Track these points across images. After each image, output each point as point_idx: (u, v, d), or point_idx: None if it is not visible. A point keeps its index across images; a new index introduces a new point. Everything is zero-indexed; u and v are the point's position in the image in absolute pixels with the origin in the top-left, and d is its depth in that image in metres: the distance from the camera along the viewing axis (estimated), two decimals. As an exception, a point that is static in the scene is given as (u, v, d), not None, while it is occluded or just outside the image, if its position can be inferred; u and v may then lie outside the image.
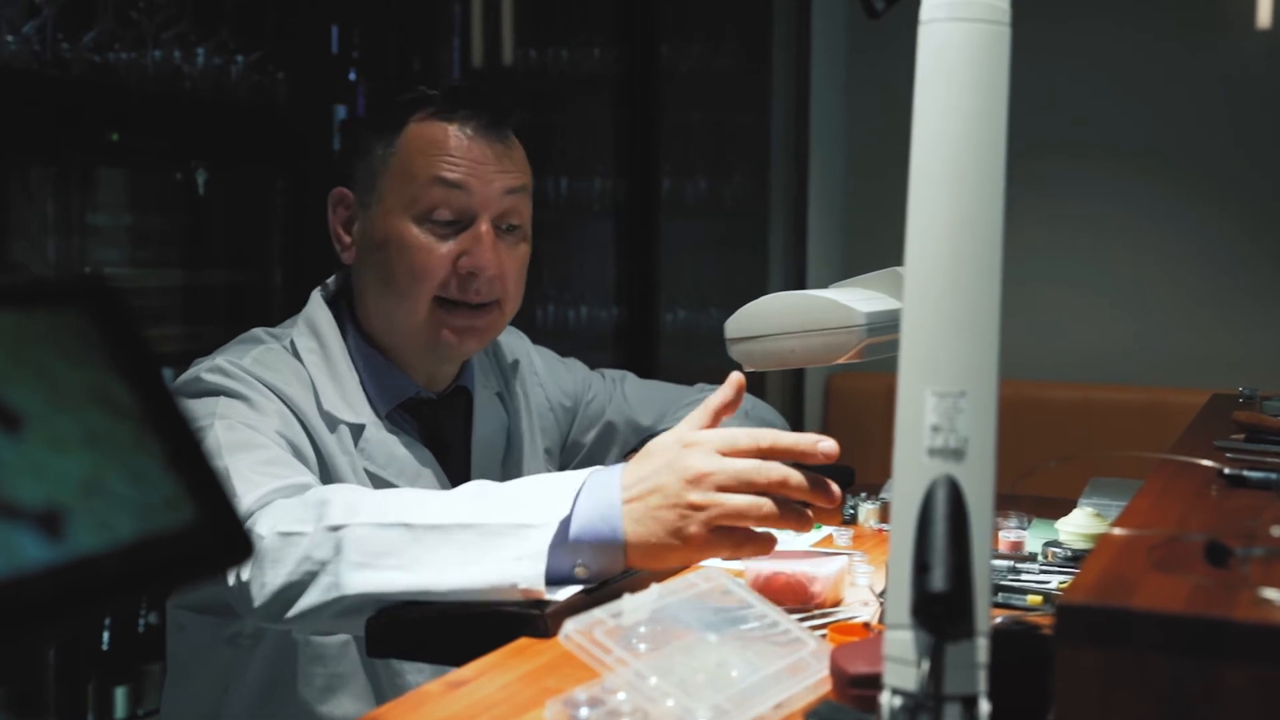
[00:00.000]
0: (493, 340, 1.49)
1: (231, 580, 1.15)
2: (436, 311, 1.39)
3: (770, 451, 1.08)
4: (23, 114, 1.98)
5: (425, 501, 1.14)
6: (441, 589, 1.08)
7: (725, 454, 1.08)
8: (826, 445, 1.07)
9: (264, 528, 1.14)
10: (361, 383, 1.41)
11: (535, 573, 1.06)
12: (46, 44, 2.02)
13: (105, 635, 2.20)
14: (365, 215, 1.42)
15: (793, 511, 1.08)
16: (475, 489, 1.17)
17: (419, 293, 1.38)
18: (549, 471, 1.59)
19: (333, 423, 1.37)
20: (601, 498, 1.10)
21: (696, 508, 1.07)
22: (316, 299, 1.46)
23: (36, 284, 0.57)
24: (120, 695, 2.21)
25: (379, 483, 1.37)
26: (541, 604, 1.07)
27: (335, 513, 1.12)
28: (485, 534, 1.09)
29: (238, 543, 0.58)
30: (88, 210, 2.20)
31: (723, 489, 1.07)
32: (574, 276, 3.07)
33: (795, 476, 1.08)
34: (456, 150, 1.38)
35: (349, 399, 1.39)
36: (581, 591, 1.09)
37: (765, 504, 1.07)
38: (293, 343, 1.41)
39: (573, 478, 1.12)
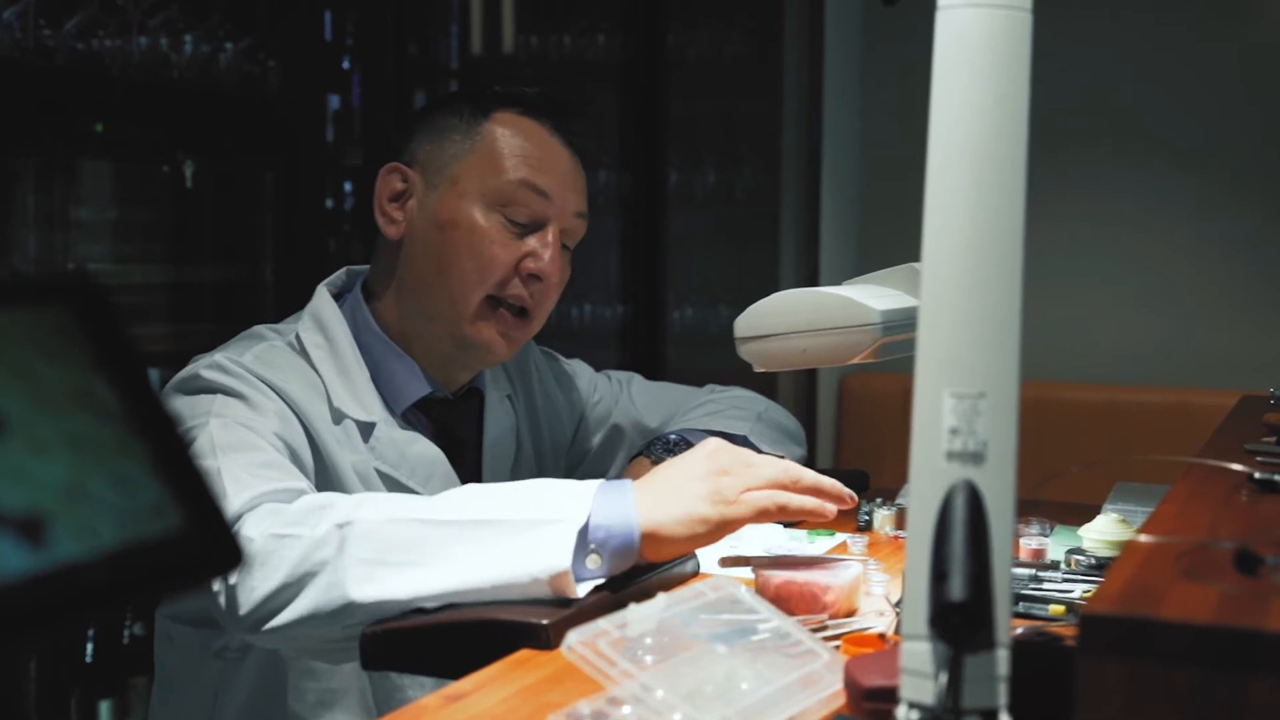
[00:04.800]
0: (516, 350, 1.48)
1: (217, 587, 1.12)
2: (484, 309, 1.38)
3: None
4: (3, 103, 1.95)
5: (436, 501, 1.14)
6: (457, 587, 1.07)
7: None
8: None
9: (254, 530, 1.11)
10: (374, 380, 1.39)
11: (563, 563, 1.06)
12: (28, 31, 2.00)
13: (89, 647, 2.18)
14: (430, 194, 1.39)
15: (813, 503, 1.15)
16: (484, 489, 1.17)
17: (477, 283, 1.37)
18: (557, 477, 1.57)
19: (342, 419, 1.34)
20: (615, 495, 1.12)
21: (730, 473, 1.13)
22: (323, 294, 1.43)
23: (17, 281, 0.57)
24: (105, 709, 2.20)
25: (390, 482, 1.35)
26: (548, 612, 1.05)
27: (339, 512, 1.11)
28: (504, 530, 1.08)
29: (226, 550, 0.58)
30: (71, 204, 2.18)
31: (749, 464, 1.14)
32: (577, 273, 3.03)
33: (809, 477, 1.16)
34: (549, 157, 1.39)
35: (360, 396, 1.37)
36: (598, 590, 1.09)
37: (793, 467, 1.15)
38: (298, 338, 1.38)
39: (585, 484, 1.13)
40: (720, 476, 1.12)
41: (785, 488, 1.14)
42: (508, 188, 1.37)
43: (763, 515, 1.13)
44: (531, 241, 1.37)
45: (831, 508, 1.16)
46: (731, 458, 1.15)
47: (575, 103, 1.46)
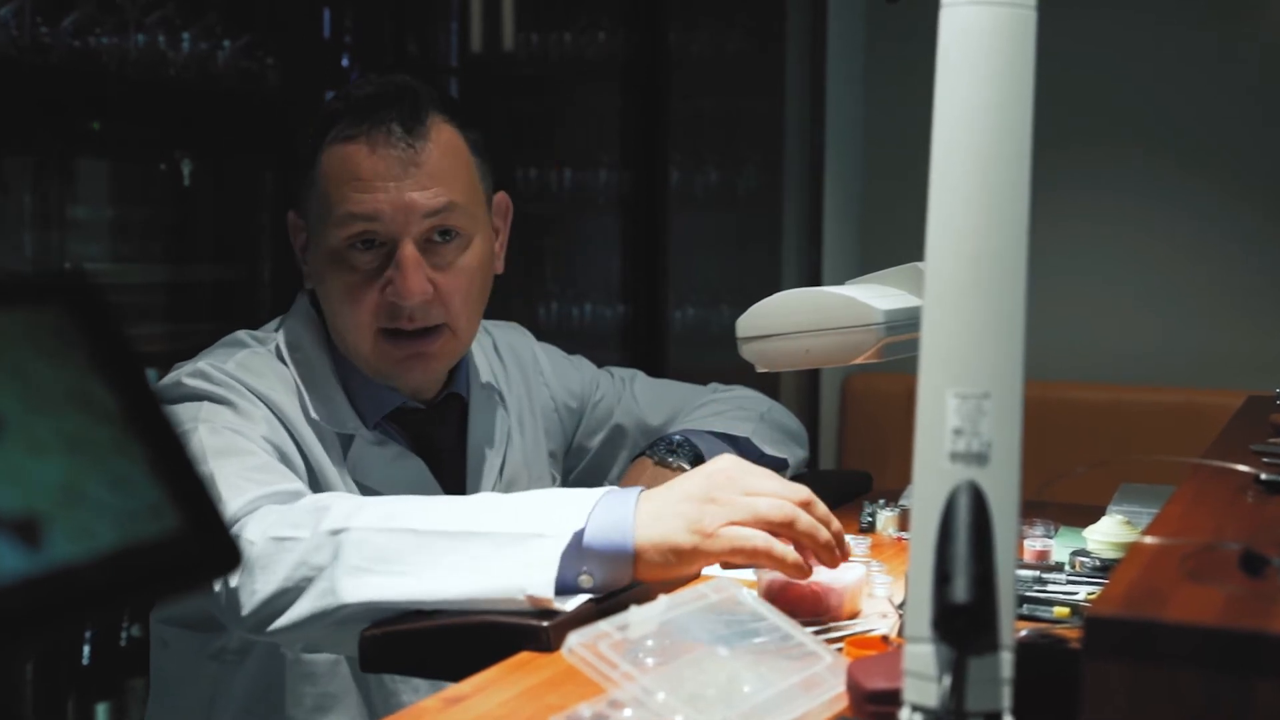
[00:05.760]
0: (452, 362, 1.42)
1: (218, 588, 1.11)
2: (381, 342, 1.34)
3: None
4: (0, 102, 1.94)
5: (433, 508, 1.13)
6: (444, 596, 1.07)
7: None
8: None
9: (254, 533, 1.11)
10: (346, 392, 1.37)
11: (544, 580, 1.04)
12: (25, 28, 1.99)
13: (86, 649, 2.17)
14: (310, 243, 1.37)
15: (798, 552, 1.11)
16: (487, 499, 1.16)
17: (359, 325, 1.33)
18: (553, 474, 1.57)
19: (321, 432, 1.33)
20: (616, 507, 1.10)
21: (718, 502, 1.09)
22: (302, 302, 1.42)
23: (14, 281, 0.56)
24: (102, 711, 2.19)
25: (370, 495, 1.33)
26: (548, 614, 1.05)
27: (335, 517, 1.10)
28: (496, 543, 1.07)
29: (224, 552, 0.58)
30: (67, 203, 2.18)
31: (749, 493, 1.10)
32: (578, 272, 3.04)
33: (814, 512, 1.11)
34: (367, 174, 1.29)
35: (334, 409, 1.35)
36: (589, 601, 1.08)
37: (789, 509, 1.09)
38: (278, 346, 1.37)
39: (590, 492, 1.12)
40: (706, 504, 1.09)
41: (776, 528, 1.08)
42: (338, 225, 1.30)
43: (736, 555, 1.08)
44: (389, 269, 1.31)
45: (806, 571, 1.10)
46: (729, 480, 1.11)
47: (399, 82, 1.34)
